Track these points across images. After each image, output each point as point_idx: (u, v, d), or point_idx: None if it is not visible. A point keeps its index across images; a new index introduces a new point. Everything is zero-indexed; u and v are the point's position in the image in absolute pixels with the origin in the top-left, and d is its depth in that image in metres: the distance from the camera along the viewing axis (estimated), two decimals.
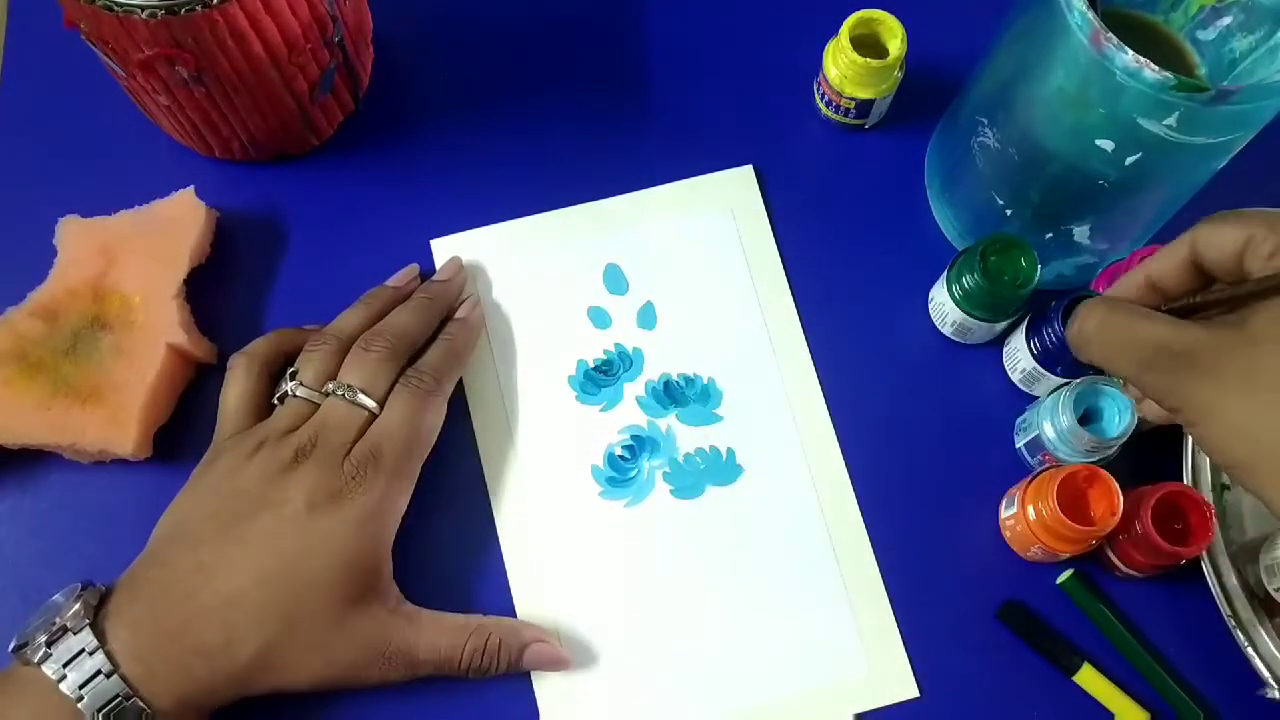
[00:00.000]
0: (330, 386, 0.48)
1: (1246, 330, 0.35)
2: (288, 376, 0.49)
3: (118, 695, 0.41)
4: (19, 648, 0.42)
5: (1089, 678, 0.48)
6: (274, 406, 0.49)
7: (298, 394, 0.48)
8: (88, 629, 0.42)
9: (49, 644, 0.41)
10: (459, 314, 0.52)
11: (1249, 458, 0.35)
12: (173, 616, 0.43)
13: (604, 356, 0.53)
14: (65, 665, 0.41)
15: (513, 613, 0.50)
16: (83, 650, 0.41)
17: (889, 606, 0.50)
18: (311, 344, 0.49)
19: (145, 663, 0.42)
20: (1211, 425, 0.36)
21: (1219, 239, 0.38)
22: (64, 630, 0.42)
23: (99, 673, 0.41)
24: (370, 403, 0.47)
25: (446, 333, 0.51)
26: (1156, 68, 0.39)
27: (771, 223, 0.56)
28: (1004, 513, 0.50)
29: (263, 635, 0.43)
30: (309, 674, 0.44)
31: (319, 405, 0.48)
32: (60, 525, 0.50)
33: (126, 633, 0.42)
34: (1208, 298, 0.38)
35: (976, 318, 0.50)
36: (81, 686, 0.41)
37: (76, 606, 0.42)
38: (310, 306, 0.53)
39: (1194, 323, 0.37)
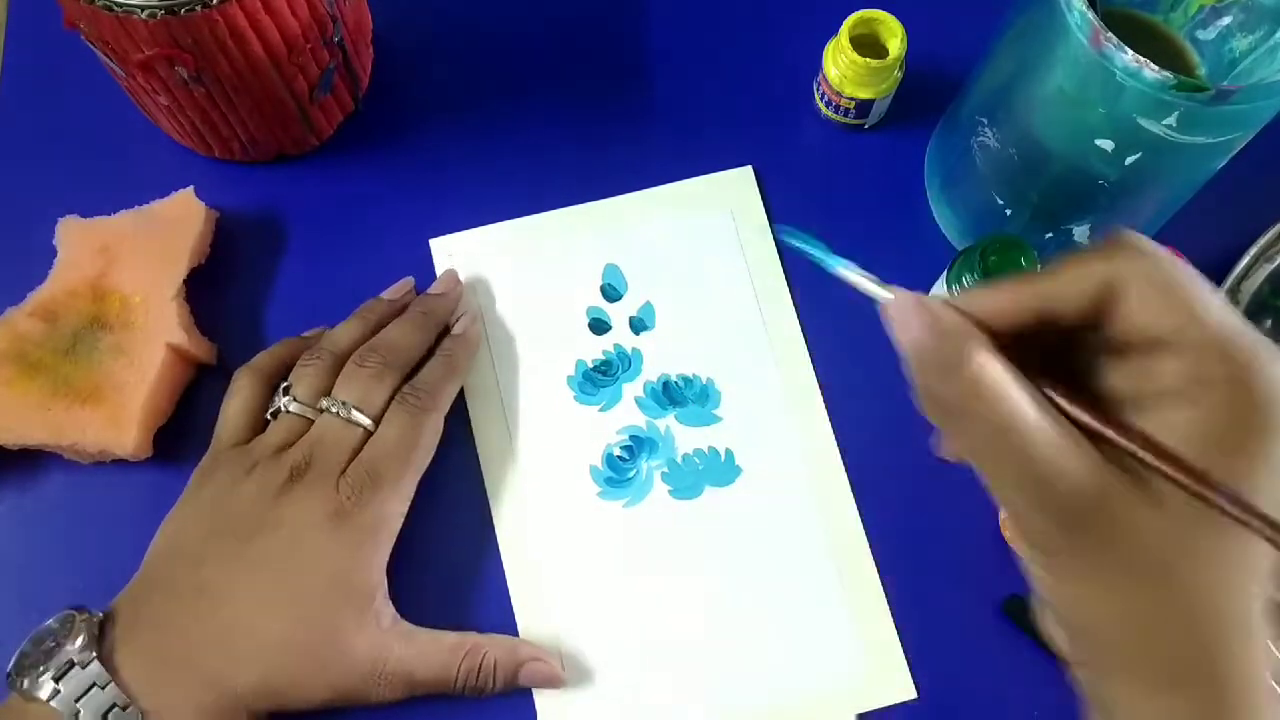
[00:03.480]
0: (324, 403, 0.47)
1: (1159, 504, 0.27)
2: (281, 391, 0.48)
3: None
4: (14, 676, 0.41)
5: None
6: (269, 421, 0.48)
7: (290, 409, 0.47)
8: (96, 662, 0.41)
9: (57, 679, 0.40)
10: (456, 329, 0.51)
11: (1097, 631, 0.29)
12: (179, 645, 0.43)
13: (603, 357, 0.53)
14: (78, 701, 0.40)
15: (511, 613, 0.49)
16: (94, 685, 0.40)
17: (888, 607, 0.50)
18: (305, 358, 0.48)
19: (158, 694, 0.41)
20: (1075, 586, 0.29)
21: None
22: (70, 664, 0.41)
23: (114, 706, 0.40)
24: (365, 420, 0.46)
25: (444, 349, 0.50)
26: (1156, 68, 0.39)
27: (771, 223, 0.56)
28: (1004, 512, 0.50)
29: (263, 661, 0.43)
30: (308, 697, 0.44)
31: (313, 421, 0.47)
32: (60, 525, 0.50)
33: (134, 663, 0.42)
34: (1119, 436, 0.28)
35: None
36: None
37: (81, 639, 0.41)
38: (310, 306, 0.53)
39: (1105, 461, 0.28)
